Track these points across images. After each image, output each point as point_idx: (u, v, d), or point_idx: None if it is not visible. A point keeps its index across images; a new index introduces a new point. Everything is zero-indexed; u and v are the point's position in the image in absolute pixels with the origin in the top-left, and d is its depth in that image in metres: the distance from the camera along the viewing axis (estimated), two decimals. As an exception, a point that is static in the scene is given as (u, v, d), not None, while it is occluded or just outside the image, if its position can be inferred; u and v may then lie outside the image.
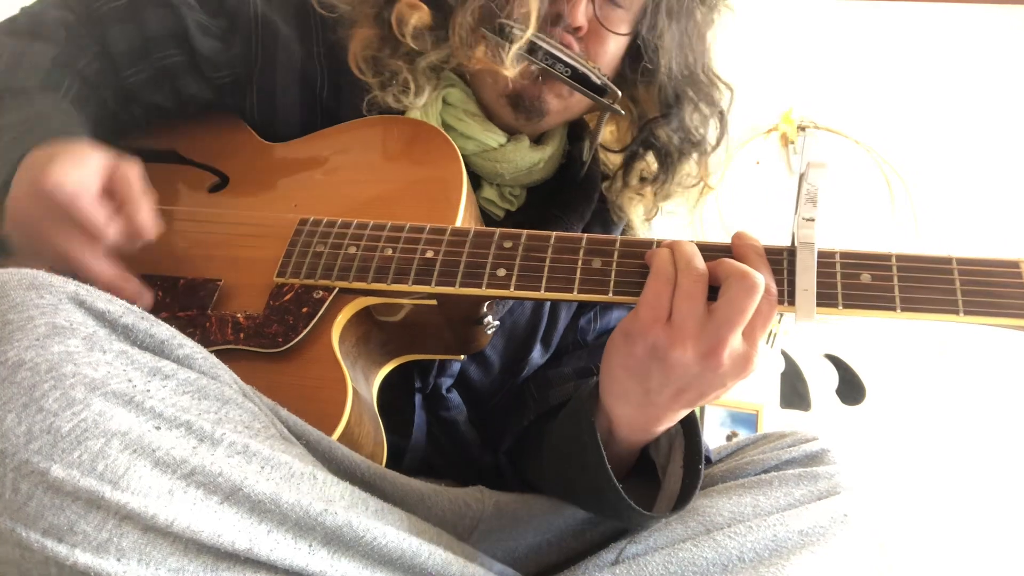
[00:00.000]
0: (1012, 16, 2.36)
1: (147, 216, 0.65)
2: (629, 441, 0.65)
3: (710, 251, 0.61)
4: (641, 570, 0.63)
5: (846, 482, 0.70)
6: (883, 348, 2.18)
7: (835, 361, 2.21)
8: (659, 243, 0.62)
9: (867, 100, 2.36)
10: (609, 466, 0.61)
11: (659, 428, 0.63)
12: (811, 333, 2.23)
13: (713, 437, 2.22)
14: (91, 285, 0.53)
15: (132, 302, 0.56)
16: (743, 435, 2.17)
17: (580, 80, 0.76)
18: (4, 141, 0.68)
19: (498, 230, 0.67)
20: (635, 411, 0.62)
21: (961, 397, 2.10)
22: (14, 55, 0.76)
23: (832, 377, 2.20)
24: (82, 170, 0.62)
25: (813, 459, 0.74)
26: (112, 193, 0.64)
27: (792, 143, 2.33)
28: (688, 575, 0.63)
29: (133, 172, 0.65)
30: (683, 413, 0.61)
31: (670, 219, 0.95)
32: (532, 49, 0.74)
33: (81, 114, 0.75)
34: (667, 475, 0.68)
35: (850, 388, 2.18)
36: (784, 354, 2.23)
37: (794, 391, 2.22)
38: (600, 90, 0.77)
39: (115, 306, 0.50)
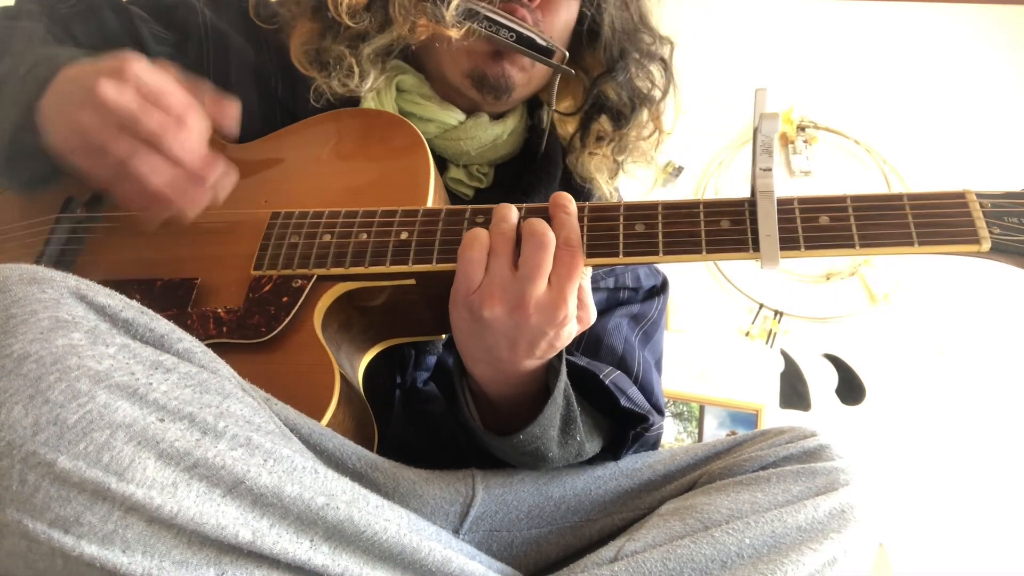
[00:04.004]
0: (1010, 16, 2.36)
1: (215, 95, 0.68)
2: (501, 393, 0.68)
3: (533, 213, 0.65)
4: (640, 567, 0.63)
5: (844, 478, 0.70)
6: (883, 348, 2.18)
7: (835, 361, 2.21)
8: (624, 206, 0.65)
9: (867, 100, 2.36)
10: (477, 420, 0.68)
11: (517, 378, 0.66)
12: (811, 333, 2.24)
13: (713, 437, 2.22)
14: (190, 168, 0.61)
15: (219, 188, 0.65)
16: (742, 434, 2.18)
17: (526, 44, 0.77)
18: (16, 77, 0.68)
19: (469, 207, 0.68)
20: (487, 368, 0.66)
21: (960, 397, 2.11)
22: (5, 29, 0.77)
23: (832, 377, 2.21)
24: (146, 64, 0.63)
25: (811, 455, 0.74)
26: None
27: (792, 143, 2.34)
28: (687, 572, 0.63)
29: (171, 71, 0.66)
30: (535, 361, 0.65)
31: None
32: (473, 14, 0.75)
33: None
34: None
35: (850, 388, 2.19)
36: (784, 354, 2.23)
37: (794, 391, 2.22)
38: (547, 52, 0.78)
39: (115, 300, 0.51)
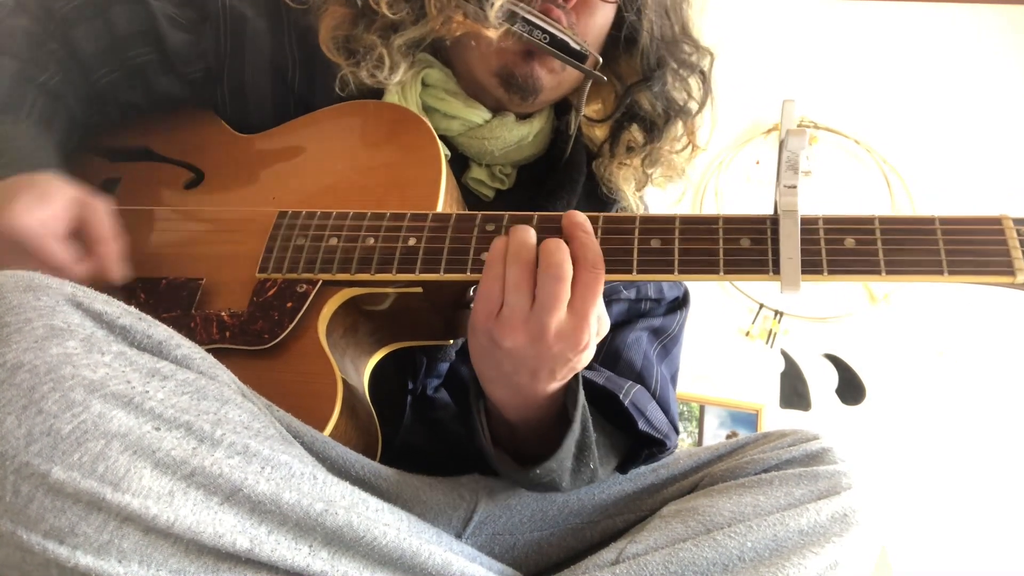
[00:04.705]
0: (1011, 16, 2.36)
1: (115, 260, 0.66)
2: (520, 416, 0.67)
3: (549, 222, 0.63)
4: (641, 570, 0.63)
5: (847, 481, 0.70)
6: (883, 348, 2.18)
7: (835, 361, 2.21)
8: (639, 219, 0.63)
9: (867, 100, 2.36)
10: (491, 446, 0.67)
11: (538, 402, 0.65)
12: (811, 333, 2.23)
13: (713, 437, 2.22)
14: None
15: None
16: (743, 435, 2.19)
17: (559, 46, 0.74)
18: None
19: (480, 213, 0.66)
20: (506, 393, 0.64)
21: (960, 398, 2.10)
22: None
23: (832, 377, 2.20)
24: (49, 209, 0.62)
25: (814, 458, 0.74)
26: (80, 233, 0.64)
27: (792, 143, 2.33)
28: (688, 574, 0.63)
29: (102, 212, 0.66)
30: (555, 385, 0.63)
31: (668, 201, 0.94)
32: (511, 16, 0.73)
33: (47, 133, 0.74)
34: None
35: (850, 388, 2.19)
36: (784, 354, 2.23)
37: (794, 391, 2.22)
38: (580, 56, 0.76)
39: (112, 307, 0.50)
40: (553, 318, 0.57)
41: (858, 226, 0.59)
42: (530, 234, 0.61)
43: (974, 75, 2.34)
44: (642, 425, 0.76)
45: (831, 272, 0.58)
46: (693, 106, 0.86)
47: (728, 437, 2.20)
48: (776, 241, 0.59)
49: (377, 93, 0.79)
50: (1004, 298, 2.10)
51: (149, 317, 0.52)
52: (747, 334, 2.25)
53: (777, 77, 2.39)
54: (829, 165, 2.32)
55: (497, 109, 0.83)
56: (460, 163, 0.84)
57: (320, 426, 0.60)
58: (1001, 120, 2.28)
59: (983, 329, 2.13)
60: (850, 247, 0.59)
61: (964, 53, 2.36)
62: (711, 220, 0.62)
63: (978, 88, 2.32)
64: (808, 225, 0.60)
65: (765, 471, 0.74)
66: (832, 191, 2.27)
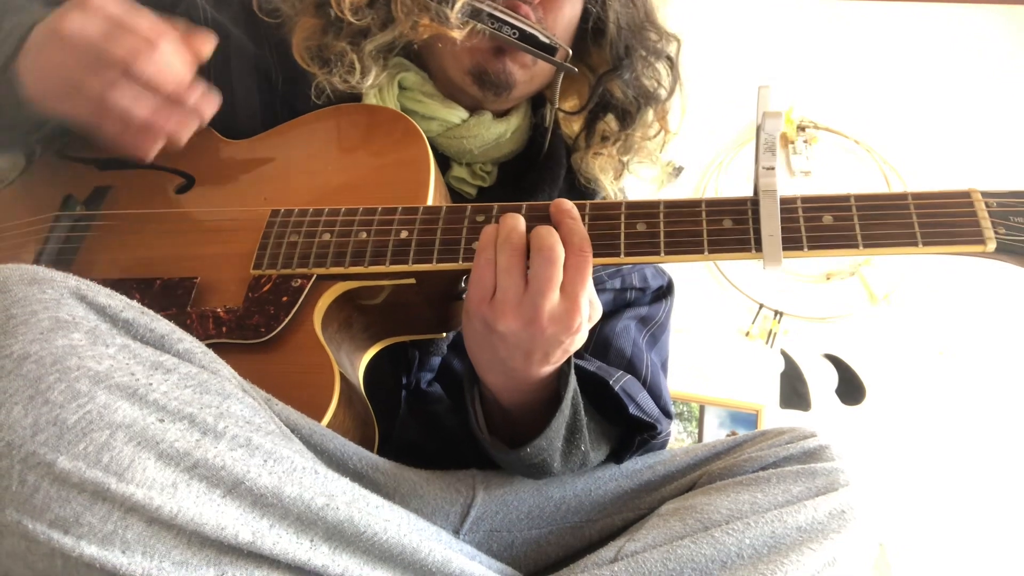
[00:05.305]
0: (1012, 17, 2.36)
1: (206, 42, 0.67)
2: (513, 400, 0.68)
3: (537, 211, 0.65)
4: (640, 567, 0.63)
5: (844, 479, 0.70)
6: (883, 348, 2.18)
7: (835, 361, 2.21)
8: (625, 204, 0.65)
9: (867, 100, 2.36)
10: (485, 428, 0.69)
11: (530, 386, 0.66)
12: (811, 333, 2.24)
13: (713, 437, 2.22)
14: (157, 87, 0.59)
15: (202, 108, 0.65)
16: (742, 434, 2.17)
17: (528, 41, 0.76)
18: (4, 33, 0.67)
19: (469, 205, 0.67)
20: (500, 377, 0.66)
21: (960, 397, 2.10)
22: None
23: (832, 377, 2.20)
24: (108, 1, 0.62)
25: (811, 455, 0.74)
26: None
27: (792, 143, 2.34)
28: (687, 572, 0.63)
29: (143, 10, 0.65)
30: (549, 368, 0.64)
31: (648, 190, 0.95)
32: (476, 13, 0.74)
33: None
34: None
35: (850, 388, 2.18)
36: (784, 354, 2.23)
37: (794, 391, 2.22)
38: (550, 49, 0.77)
39: (116, 301, 0.51)
40: (547, 300, 0.59)
41: (835, 204, 0.62)
42: (519, 220, 0.62)
43: (974, 75, 2.34)
44: (632, 409, 0.77)
45: (811, 247, 0.61)
46: (663, 92, 0.88)
47: (728, 437, 2.20)
48: (757, 220, 0.62)
49: (355, 99, 0.80)
50: (1004, 298, 2.10)
51: (151, 311, 0.53)
52: (747, 334, 2.25)
53: (777, 77, 2.40)
54: (829, 165, 2.32)
55: (474, 108, 0.85)
56: (441, 163, 0.85)
57: (318, 417, 0.61)
58: (1001, 120, 2.28)
59: (984, 329, 2.13)
60: (828, 223, 0.61)
61: (964, 53, 2.36)
62: (694, 203, 0.64)
63: (978, 88, 2.32)
64: (787, 204, 0.62)
65: (763, 468, 0.74)
66: (832, 191, 2.27)
